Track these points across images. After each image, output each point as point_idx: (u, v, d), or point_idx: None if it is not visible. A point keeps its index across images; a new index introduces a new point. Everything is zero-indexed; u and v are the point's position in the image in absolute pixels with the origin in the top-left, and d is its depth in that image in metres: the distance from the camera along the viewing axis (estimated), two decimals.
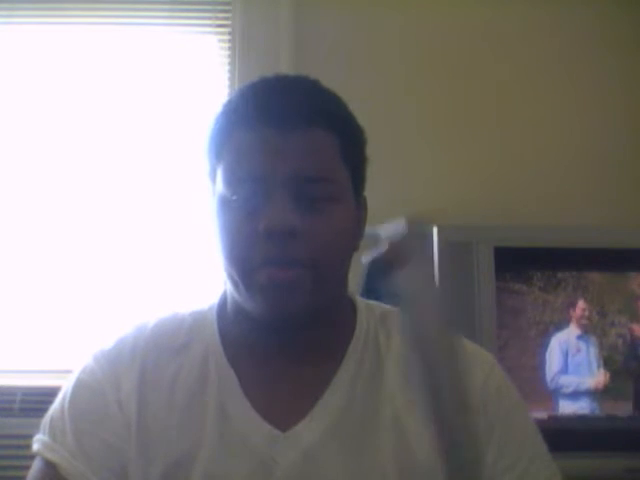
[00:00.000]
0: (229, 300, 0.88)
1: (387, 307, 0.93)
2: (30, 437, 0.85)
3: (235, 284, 0.81)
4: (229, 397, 0.83)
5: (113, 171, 1.87)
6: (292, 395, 0.83)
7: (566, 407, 1.55)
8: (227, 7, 1.88)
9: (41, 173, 1.87)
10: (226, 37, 1.88)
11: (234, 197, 0.80)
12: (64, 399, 0.85)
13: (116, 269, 1.84)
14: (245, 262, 0.78)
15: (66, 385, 0.87)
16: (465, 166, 1.84)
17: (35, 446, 0.83)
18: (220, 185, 0.82)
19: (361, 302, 0.92)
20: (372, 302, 0.94)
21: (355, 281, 0.94)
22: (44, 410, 0.86)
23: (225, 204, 0.81)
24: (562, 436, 1.47)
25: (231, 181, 0.80)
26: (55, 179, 1.87)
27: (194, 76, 1.89)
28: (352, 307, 0.91)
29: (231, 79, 1.85)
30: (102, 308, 1.82)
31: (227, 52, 1.87)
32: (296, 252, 0.77)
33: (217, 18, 1.90)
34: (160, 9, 1.88)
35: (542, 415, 1.52)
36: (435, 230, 1.56)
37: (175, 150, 1.86)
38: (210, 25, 1.90)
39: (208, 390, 0.83)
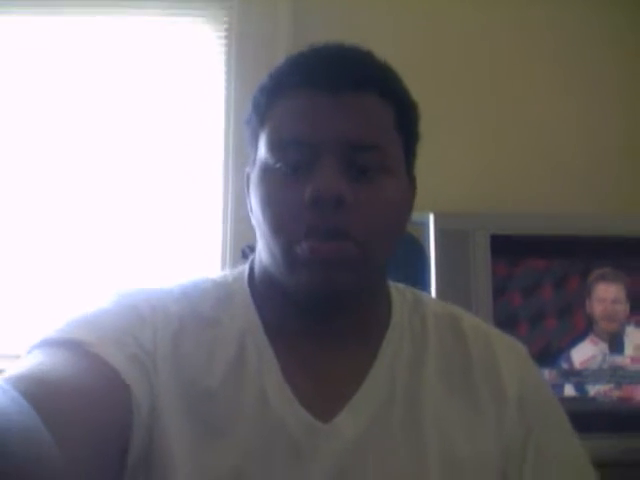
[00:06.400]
0: (261, 275, 0.80)
1: (416, 291, 0.88)
2: None
3: (274, 258, 0.74)
4: (269, 381, 0.75)
5: (107, 164, 1.86)
6: (331, 382, 0.77)
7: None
8: (225, 2, 1.88)
9: (34, 166, 1.85)
10: (223, 33, 1.89)
11: (277, 164, 0.73)
12: (86, 310, 0.74)
13: (112, 267, 1.84)
14: (288, 233, 0.72)
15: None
16: (461, 154, 1.84)
17: (42, 337, 0.70)
18: (263, 151, 0.75)
19: (392, 286, 0.85)
20: (399, 285, 0.87)
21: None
22: None
23: (268, 172, 0.74)
24: None
25: (275, 146, 0.73)
26: (49, 172, 1.86)
27: (191, 71, 1.89)
28: (387, 291, 0.84)
29: (228, 73, 1.85)
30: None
31: (224, 48, 1.88)
32: (343, 223, 0.70)
33: (215, 13, 1.90)
34: (158, 4, 1.88)
35: None
36: (431, 218, 1.56)
37: (171, 144, 1.87)
38: (208, 20, 1.91)
39: (246, 371, 0.75)
